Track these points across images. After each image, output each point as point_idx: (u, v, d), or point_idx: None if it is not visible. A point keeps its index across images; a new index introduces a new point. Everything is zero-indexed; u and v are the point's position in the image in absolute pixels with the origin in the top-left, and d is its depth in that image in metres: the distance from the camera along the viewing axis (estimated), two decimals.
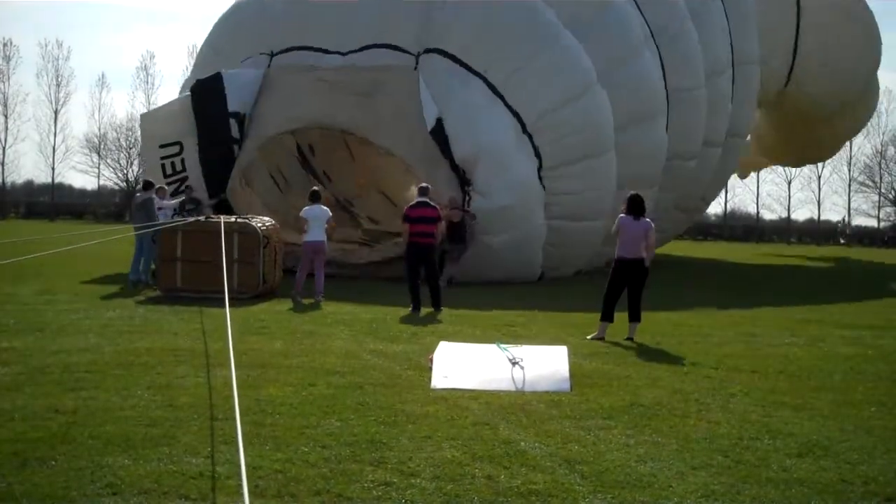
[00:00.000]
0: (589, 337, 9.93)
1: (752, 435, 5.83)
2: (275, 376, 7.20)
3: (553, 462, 5.07)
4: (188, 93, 17.88)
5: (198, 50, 21.90)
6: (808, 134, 29.83)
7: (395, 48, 17.41)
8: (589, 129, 17.17)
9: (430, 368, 7.46)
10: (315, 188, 14.17)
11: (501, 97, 16.85)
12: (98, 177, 67.96)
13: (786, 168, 67.91)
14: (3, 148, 62.64)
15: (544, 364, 7.43)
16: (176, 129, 17.54)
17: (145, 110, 63.06)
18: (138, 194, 15.42)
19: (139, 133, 60.69)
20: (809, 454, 5.42)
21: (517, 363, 7.37)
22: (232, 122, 17.44)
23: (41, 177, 76.70)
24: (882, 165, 67.84)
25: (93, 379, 6.89)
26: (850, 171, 67.62)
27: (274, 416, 5.87)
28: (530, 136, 16.86)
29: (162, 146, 17.55)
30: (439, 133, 16.65)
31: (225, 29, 19.48)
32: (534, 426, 5.87)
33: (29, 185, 73.79)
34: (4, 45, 65.04)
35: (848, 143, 67.23)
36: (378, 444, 5.31)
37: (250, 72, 17.82)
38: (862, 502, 4.64)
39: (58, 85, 64.36)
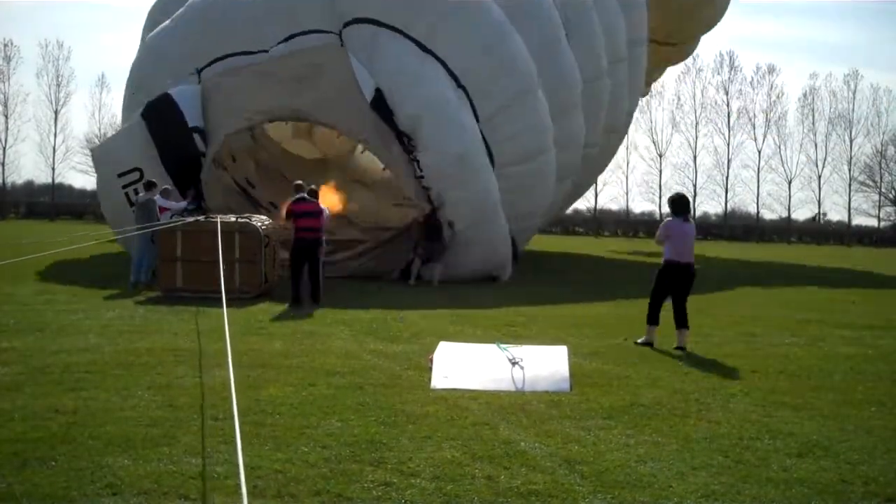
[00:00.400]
0: (638, 341, 9.66)
1: (752, 435, 5.83)
2: (275, 376, 7.20)
3: (553, 462, 5.07)
4: (139, 117, 17.45)
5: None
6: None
7: (317, 31, 17.47)
8: (514, 71, 17.31)
9: (430, 368, 7.46)
10: (311, 186, 14.08)
11: (431, 52, 16.99)
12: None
13: (786, 168, 68.10)
14: (4, 148, 62.70)
15: (544, 364, 7.43)
16: (131, 157, 17.15)
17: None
18: (140, 195, 15.37)
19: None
20: (809, 454, 5.42)
21: (517, 363, 7.37)
22: (196, 136, 17.22)
23: (41, 177, 76.63)
24: (882, 165, 67.95)
25: (93, 379, 6.89)
26: (850, 170, 67.74)
27: (274, 417, 5.87)
28: (465, 90, 17.04)
29: (120, 175, 17.11)
30: (380, 103, 16.75)
31: (146, 63, 19.07)
32: (534, 426, 5.87)
33: (29, 186, 73.75)
34: (5, 45, 64.98)
35: (848, 143, 67.78)
36: (378, 445, 5.31)
37: (191, 87, 17.71)
38: (862, 502, 4.64)
39: (58, 85, 64.38)
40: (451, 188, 16.48)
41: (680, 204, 9.74)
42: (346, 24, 17.38)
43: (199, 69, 17.88)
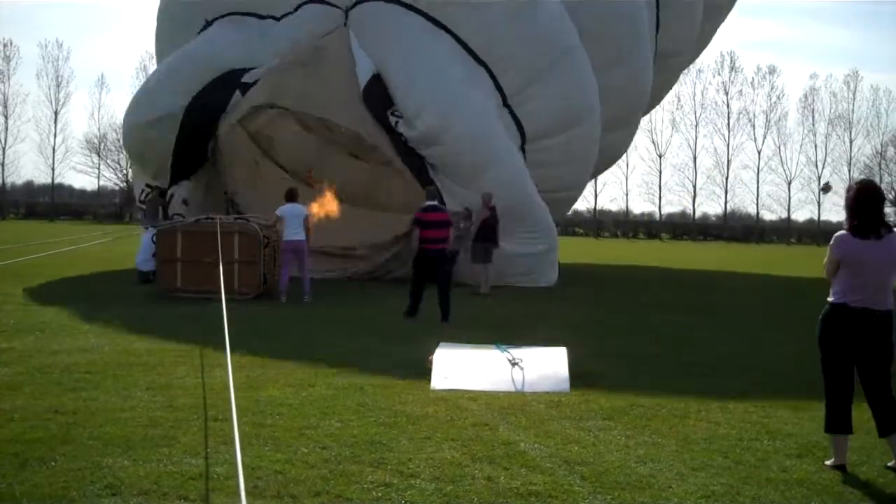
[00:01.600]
0: (827, 463, 5.24)
1: (751, 435, 5.83)
2: (274, 377, 7.20)
3: (553, 463, 5.07)
4: None
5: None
6: None
7: (326, 3, 16.56)
8: (543, 39, 16.06)
9: (430, 369, 7.46)
10: (292, 186, 14.01)
11: (444, 27, 15.88)
12: (98, 177, 68.22)
13: (786, 168, 68.17)
14: (3, 148, 62.90)
15: (544, 365, 7.43)
16: None
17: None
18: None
19: None
20: (809, 455, 5.42)
21: (517, 364, 7.36)
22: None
23: (41, 177, 76.84)
24: (882, 166, 68.08)
25: (92, 379, 6.89)
26: (850, 171, 67.88)
27: (273, 417, 5.87)
28: (486, 66, 15.90)
29: None
30: (376, 93, 15.50)
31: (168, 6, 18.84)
32: (533, 427, 5.87)
33: (29, 186, 73.86)
34: (5, 45, 65.37)
35: (848, 144, 67.95)
36: (378, 445, 5.30)
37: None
38: (861, 503, 4.64)
39: (58, 85, 64.65)
40: (469, 185, 15.38)
41: (866, 206, 5.17)
42: (355, 4, 16.38)
43: (208, 22, 17.14)
